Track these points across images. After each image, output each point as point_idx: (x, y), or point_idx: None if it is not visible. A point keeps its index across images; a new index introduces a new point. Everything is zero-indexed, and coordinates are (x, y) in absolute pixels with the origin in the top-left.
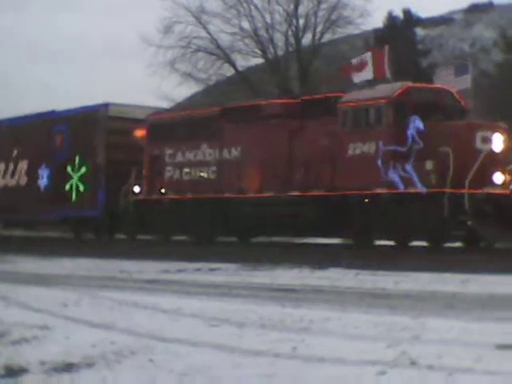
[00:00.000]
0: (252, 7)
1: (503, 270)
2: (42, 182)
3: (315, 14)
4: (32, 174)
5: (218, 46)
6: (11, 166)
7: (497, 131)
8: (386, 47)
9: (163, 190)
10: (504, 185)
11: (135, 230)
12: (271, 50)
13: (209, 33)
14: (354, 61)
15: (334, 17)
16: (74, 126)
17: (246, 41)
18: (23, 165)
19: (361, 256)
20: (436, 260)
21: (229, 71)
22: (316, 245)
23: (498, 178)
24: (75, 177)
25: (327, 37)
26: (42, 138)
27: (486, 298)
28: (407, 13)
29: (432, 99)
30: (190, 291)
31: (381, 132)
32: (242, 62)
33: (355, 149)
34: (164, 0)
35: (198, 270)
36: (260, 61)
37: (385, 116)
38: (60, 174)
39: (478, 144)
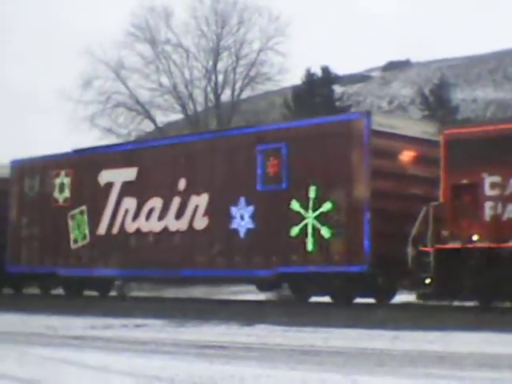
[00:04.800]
0: (171, 63)
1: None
2: (240, 224)
3: (234, 70)
4: (218, 213)
5: (138, 102)
6: (175, 203)
7: None
8: None
9: (475, 237)
10: None
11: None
12: (190, 105)
13: (128, 88)
14: None
15: (252, 73)
16: (300, 144)
17: (166, 96)
18: (200, 200)
19: (287, 313)
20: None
21: (148, 127)
22: (241, 301)
23: None
24: (310, 217)
25: (246, 93)
26: (237, 163)
27: (416, 354)
28: (325, 70)
29: None
30: (118, 348)
31: None
32: (162, 118)
33: None
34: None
35: (125, 326)
36: (180, 116)
37: None
38: (277, 213)
39: None
